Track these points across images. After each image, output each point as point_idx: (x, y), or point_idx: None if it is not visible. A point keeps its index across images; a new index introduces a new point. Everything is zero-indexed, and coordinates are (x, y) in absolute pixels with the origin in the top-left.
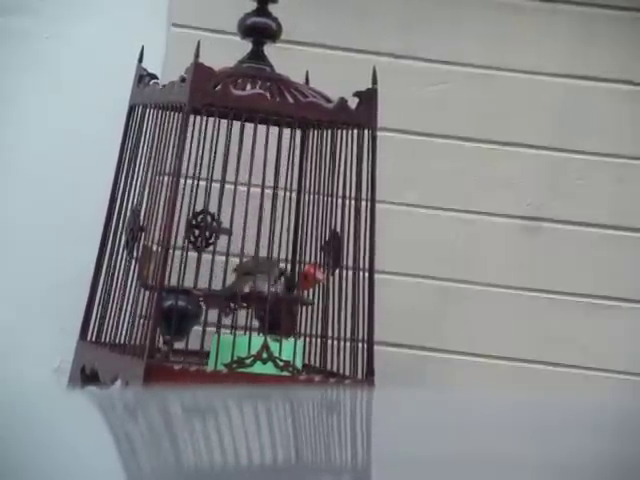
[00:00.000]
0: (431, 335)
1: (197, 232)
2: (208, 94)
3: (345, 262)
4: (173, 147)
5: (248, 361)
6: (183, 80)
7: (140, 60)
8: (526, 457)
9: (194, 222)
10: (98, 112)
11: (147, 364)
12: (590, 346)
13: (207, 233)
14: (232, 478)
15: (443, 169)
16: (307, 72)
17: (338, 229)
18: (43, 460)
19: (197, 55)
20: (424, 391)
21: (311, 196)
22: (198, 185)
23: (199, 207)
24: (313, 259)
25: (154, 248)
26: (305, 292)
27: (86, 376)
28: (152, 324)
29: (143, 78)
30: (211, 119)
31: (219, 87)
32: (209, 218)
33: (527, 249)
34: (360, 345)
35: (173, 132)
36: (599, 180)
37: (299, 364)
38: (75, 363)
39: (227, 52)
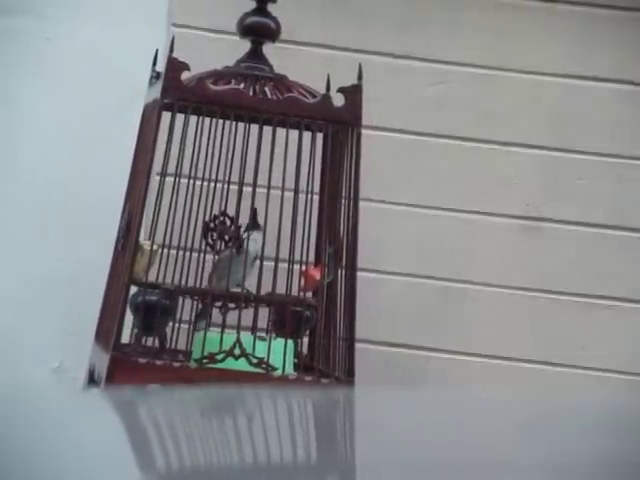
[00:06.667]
0: (431, 335)
1: (214, 235)
2: (181, 89)
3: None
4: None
5: (219, 357)
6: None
7: (154, 63)
8: (525, 457)
9: (211, 225)
10: (99, 112)
11: (112, 357)
12: (590, 346)
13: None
14: (219, 478)
15: (443, 169)
16: (328, 75)
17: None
18: (43, 460)
19: (171, 50)
20: (422, 391)
21: (308, 195)
22: (178, 183)
23: (182, 206)
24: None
25: (145, 246)
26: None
27: (91, 376)
28: (118, 318)
29: (152, 79)
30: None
31: (194, 82)
32: (227, 220)
33: (527, 249)
34: (342, 345)
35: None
36: (599, 180)
37: (278, 362)
38: (88, 364)
39: (227, 52)
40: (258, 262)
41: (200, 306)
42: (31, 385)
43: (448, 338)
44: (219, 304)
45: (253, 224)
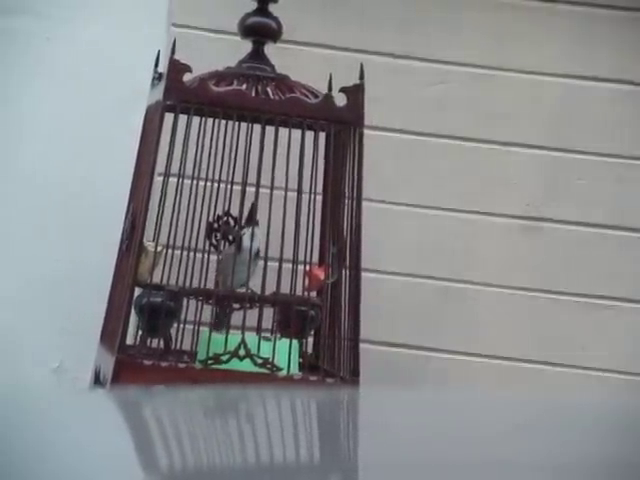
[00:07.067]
0: (431, 335)
1: (218, 235)
2: (183, 91)
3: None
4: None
5: (224, 358)
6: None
7: (156, 64)
8: (526, 457)
9: (215, 225)
10: (99, 112)
11: (117, 359)
12: (590, 346)
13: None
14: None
15: (443, 169)
16: (330, 75)
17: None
18: (43, 460)
19: (173, 52)
20: (423, 391)
21: (311, 195)
22: (180, 184)
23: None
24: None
25: (149, 247)
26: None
27: (97, 377)
28: (123, 319)
29: (154, 80)
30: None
31: (196, 84)
32: (231, 221)
33: (527, 249)
34: (346, 345)
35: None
36: (599, 180)
37: (283, 363)
38: (94, 365)
39: (227, 52)
40: (261, 261)
41: (211, 308)
42: (31, 385)
43: (448, 338)
44: (237, 306)
45: (250, 220)
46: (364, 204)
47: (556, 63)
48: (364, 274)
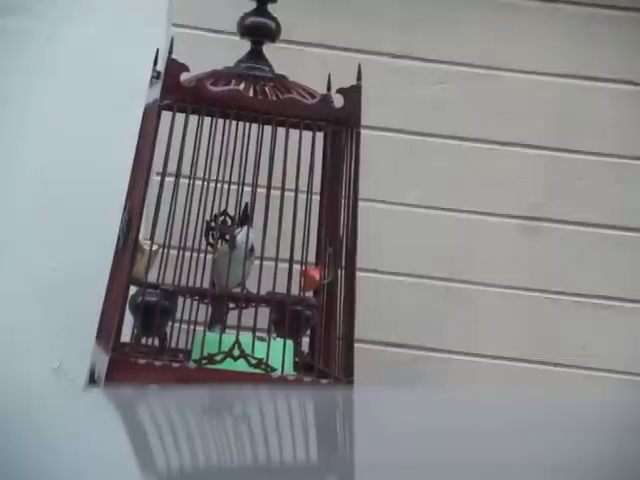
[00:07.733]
0: (431, 335)
1: (215, 234)
2: (180, 91)
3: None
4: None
5: (218, 358)
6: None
7: (155, 62)
8: (525, 457)
9: (212, 224)
10: (98, 112)
11: (111, 358)
12: (590, 346)
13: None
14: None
15: (443, 169)
16: (329, 75)
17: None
18: (43, 460)
19: (170, 51)
20: (421, 391)
21: (308, 195)
22: (177, 183)
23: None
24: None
25: (145, 246)
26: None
27: (91, 375)
28: (118, 318)
29: (153, 79)
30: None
31: (193, 83)
32: (228, 219)
33: (527, 249)
34: (341, 345)
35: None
36: (599, 180)
37: (277, 363)
38: (89, 363)
39: (227, 52)
40: (257, 260)
41: (206, 308)
42: (31, 385)
43: (448, 338)
44: (232, 306)
45: (244, 219)
46: (364, 204)
47: (556, 63)
48: (364, 274)
